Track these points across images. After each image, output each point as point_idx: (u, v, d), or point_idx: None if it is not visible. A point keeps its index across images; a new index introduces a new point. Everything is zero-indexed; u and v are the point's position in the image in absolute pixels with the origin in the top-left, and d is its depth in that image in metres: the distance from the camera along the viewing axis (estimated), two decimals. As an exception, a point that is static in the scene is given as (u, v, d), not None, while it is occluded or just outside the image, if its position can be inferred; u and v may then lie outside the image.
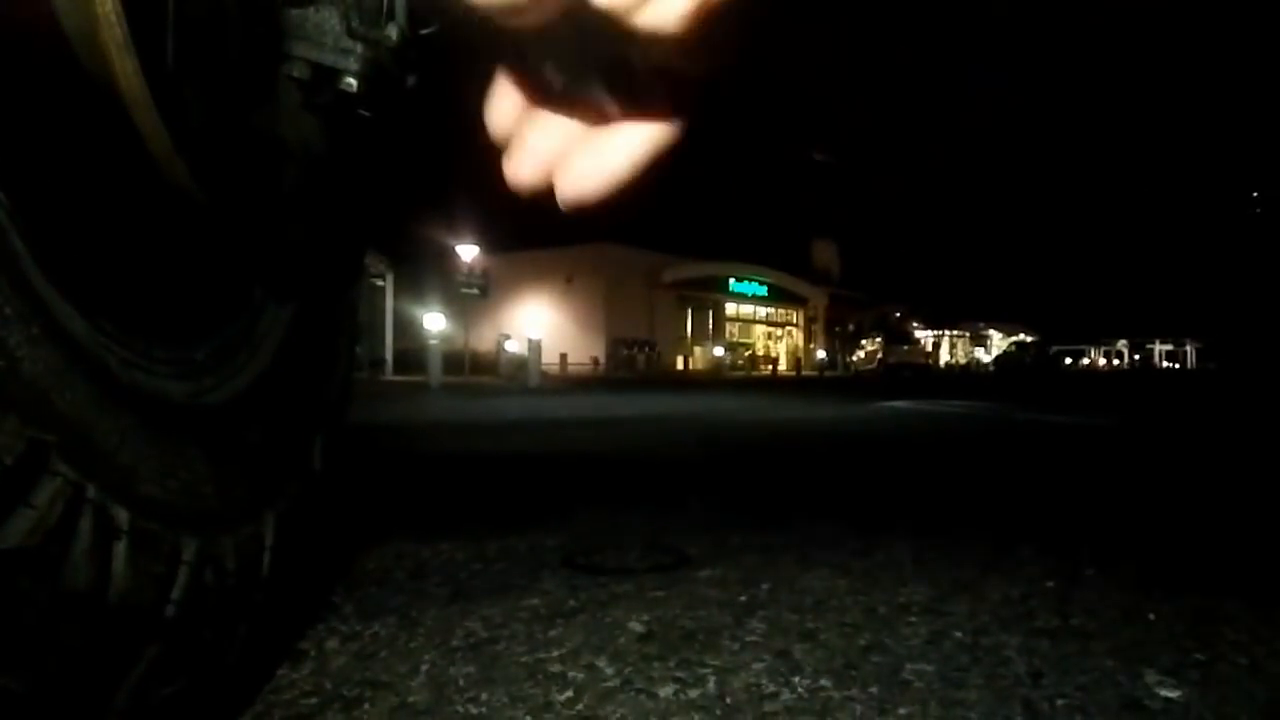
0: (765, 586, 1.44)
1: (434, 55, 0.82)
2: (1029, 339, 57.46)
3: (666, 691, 0.98)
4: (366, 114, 0.79)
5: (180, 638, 0.67)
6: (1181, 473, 3.27)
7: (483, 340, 25.41)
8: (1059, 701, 0.96)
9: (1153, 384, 18.39)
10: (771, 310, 42.64)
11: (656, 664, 1.07)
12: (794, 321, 44.33)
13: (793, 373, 34.25)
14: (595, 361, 29.44)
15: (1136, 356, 65.19)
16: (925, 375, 31.08)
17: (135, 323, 0.70)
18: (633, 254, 33.57)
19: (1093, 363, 63.61)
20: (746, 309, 40.97)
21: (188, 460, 0.72)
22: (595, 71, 0.34)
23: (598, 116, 0.35)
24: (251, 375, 0.87)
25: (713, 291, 37.80)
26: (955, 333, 59.65)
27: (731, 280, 38.45)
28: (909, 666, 1.07)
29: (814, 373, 34.88)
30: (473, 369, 21.16)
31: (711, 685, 1.00)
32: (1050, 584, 1.47)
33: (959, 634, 1.19)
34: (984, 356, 56.83)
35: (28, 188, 0.58)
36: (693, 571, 1.54)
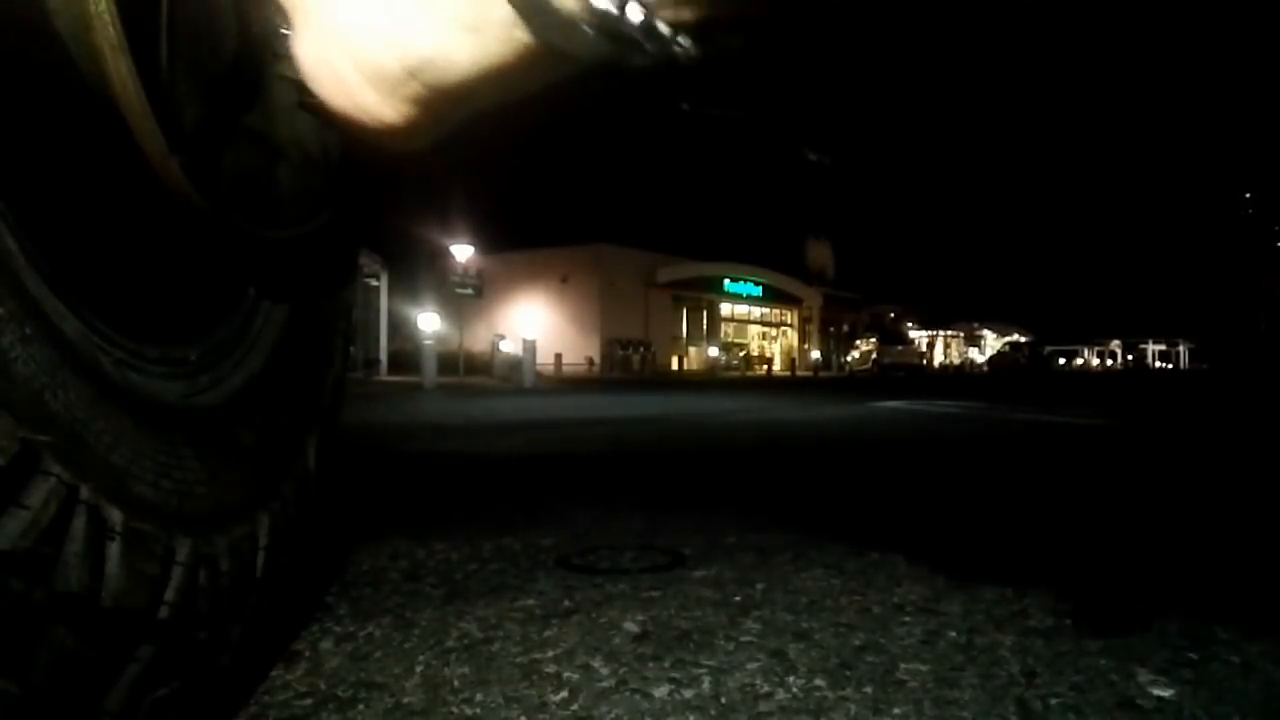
0: (760, 586, 1.44)
1: None
2: (1023, 339, 57.60)
3: (661, 692, 0.98)
4: None
5: (174, 639, 0.67)
6: (1174, 471, 3.28)
7: (478, 341, 25.38)
8: (1052, 701, 0.96)
9: (1145, 383, 18.46)
10: (766, 310, 42.69)
11: (651, 664, 1.07)
12: (789, 322, 44.40)
13: (787, 373, 34.29)
14: (590, 362, 29.44)
15: (1130, 357, 65.44)
16: (920, 376, 31.15)
17: (129, 322, 0.70)
18: (628, 254, 33.58)
19: (1086, 363, 63.82)
20: (741, 309, 41.01)
21: (182, 461, 0.72)
22: None
23: None
24: (246, 375, 0.87)
25: (708, 292, 37.82)
26: (949, 333, 59.82)
27: (726, 280, 38.48)
28: (903, 666, 1.07)
29: (809, 373, 34.91)
30: (468, 369, 21.14)
31: (706, 685, 1.00)
32: (1043, 584, 1.47)
33: (953, 633, 1.19)
34: (978, 357, 56.96)
35: (21, 188, 0.58)
36: (688, 571, 1.55)
